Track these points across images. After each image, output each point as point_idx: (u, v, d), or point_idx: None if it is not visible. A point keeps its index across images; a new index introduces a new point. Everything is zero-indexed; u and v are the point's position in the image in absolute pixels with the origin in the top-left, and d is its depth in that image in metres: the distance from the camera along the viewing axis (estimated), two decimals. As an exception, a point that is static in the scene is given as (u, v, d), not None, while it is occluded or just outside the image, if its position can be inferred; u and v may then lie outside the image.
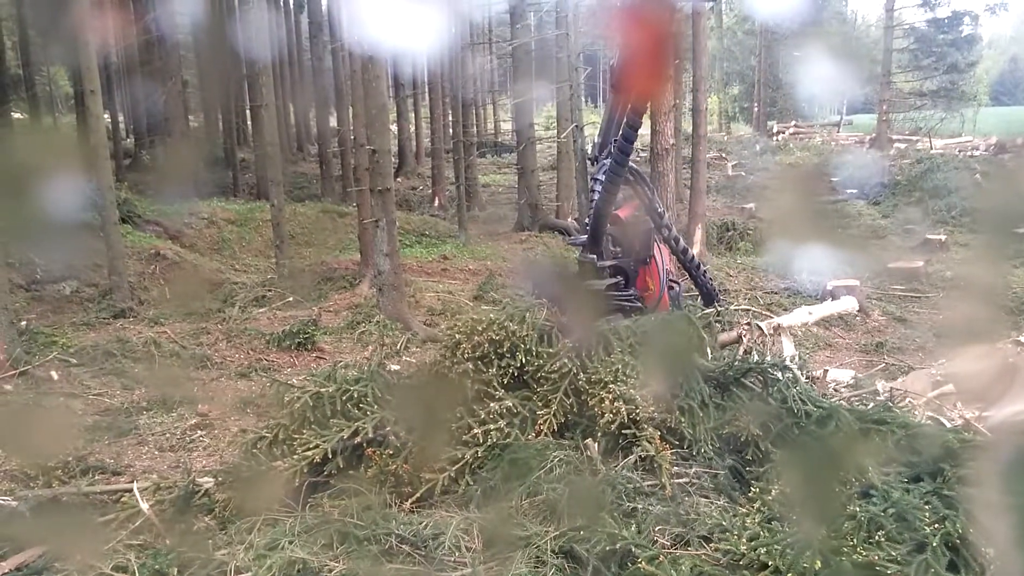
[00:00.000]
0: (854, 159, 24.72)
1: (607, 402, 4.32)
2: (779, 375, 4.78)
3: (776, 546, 3.26)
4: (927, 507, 3.46)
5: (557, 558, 3.46)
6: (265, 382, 7.50)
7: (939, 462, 3.84)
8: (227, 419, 6.60)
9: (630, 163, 6.27)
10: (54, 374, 7.40)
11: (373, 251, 10.29)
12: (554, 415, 4.43)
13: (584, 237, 6.71)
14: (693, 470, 4.22)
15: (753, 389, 4.77)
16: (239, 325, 9.31)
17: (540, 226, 16.76)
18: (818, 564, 3.11)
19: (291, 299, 10.63)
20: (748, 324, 6.73)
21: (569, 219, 16.74)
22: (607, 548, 3.42)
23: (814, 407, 4.47)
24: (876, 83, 27.04)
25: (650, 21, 3.22)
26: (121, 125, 23.50)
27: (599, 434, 4.32)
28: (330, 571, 3.38)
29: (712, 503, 3.95)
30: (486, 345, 4.73)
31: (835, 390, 5.86)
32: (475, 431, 4.27)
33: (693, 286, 8.71)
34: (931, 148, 24.39)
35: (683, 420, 4.44)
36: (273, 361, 8.35)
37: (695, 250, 13.57)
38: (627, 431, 4.28)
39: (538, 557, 3.45)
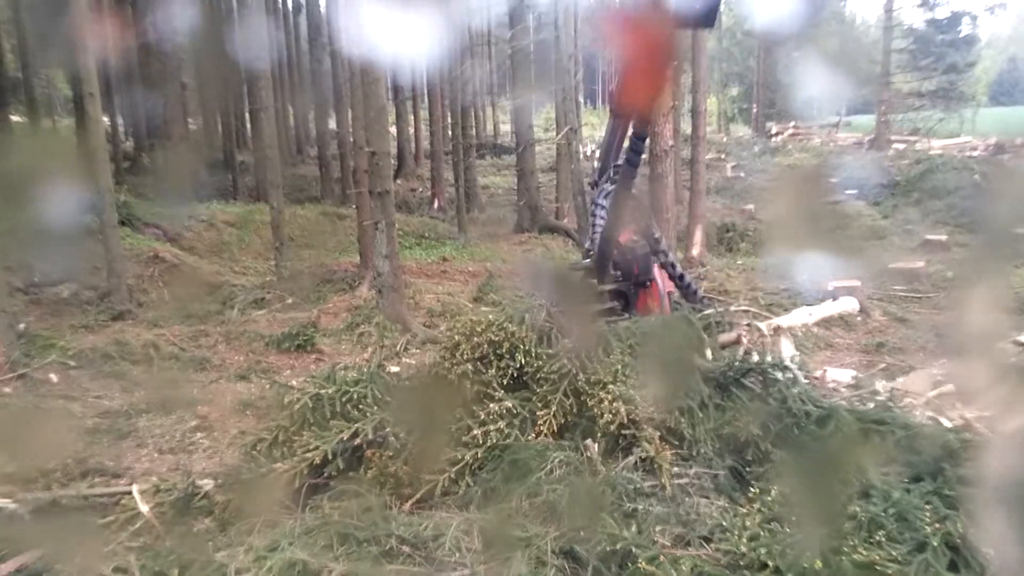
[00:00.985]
0: (853, 160, 24.76)
1: (607, 403, 4.32)
2: (779, 375, 4.78)
3: (776, 546, 3.26)
4: (927, 507, 3.45)
5: (557, 559, 3.45)
6: (265, 384, 7.53)
7: (939, 462, 3.84)
8: (227, 421, 6.58)
9: None
10: (53, 377, 7.39)
11: (372, 253, 10.29)
12: (554, 416, 4.41)
13: (588, 261, 6.51)
14: (693, 470, 4.21)
15: (753, 389, 4.76)
16: (238, 327, 9.30)
17: (540, 228, 16.79)
18: (818, 564, 3.11)
19: (290, 301, 10.61)
20: (748, 325, 6.72)
21: (565, 220, 16.78)
22: (607, 548, 3.42)
23: (814, 407, 4.46)
24: (875, 84, 27.07)
25: (650, 45, 3.20)
26: (120, 128, 23.48)
27: (599, 435, 4.31)
28: (330, 572, 3.38)
29: (712, 503, 3.95)
30: (485, 346, 4.73)
31: (835, 390, 5.85)
32: (475, 432, 4.26)
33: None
34: (930, 148, 24.41)
35: (683, 420, 4.43)
36: (272, 363, 8.33)
37: (695, 251, 13.62)
38: (627, 432, 4.28)
39: (538, 558, 3.44)
